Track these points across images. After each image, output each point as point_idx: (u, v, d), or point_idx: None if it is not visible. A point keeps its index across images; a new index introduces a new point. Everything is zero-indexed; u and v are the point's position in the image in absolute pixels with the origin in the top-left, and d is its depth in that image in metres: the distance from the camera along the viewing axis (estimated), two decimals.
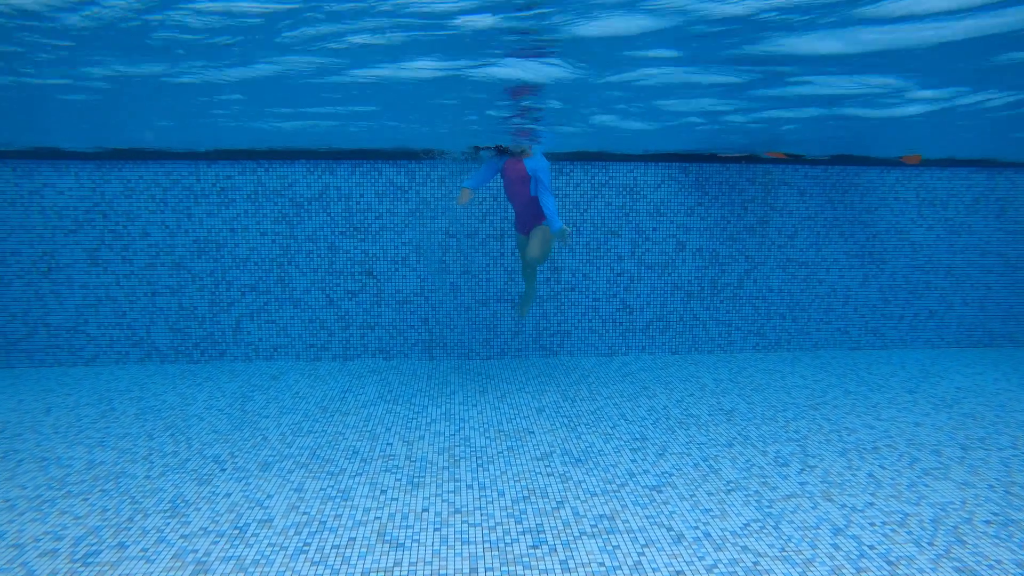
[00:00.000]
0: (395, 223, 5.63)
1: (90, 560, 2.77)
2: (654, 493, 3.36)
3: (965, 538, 2.96)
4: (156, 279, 5.53)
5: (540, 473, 3.57)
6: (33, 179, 5.34)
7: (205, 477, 3.52)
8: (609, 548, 2.87)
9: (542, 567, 2.73)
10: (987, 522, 3.10)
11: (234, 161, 5.48)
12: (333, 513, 3.15)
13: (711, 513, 3.17)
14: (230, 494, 3.34)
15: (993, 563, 2.78)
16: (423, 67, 2.54)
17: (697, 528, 3.04)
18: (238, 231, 5.54)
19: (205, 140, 4.82)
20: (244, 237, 5.55)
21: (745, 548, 2.88)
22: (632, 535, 2.97)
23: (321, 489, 3.39)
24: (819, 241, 6.01)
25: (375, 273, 5.66)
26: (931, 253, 6.13)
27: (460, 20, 2.02)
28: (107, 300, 5.51)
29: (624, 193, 5.75)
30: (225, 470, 3.60)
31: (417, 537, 2.95)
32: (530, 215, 4.67)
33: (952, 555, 2.83)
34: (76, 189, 5.39)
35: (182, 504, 3.24)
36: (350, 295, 5.68)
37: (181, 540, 2.93)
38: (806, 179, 5.92)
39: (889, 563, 2.77)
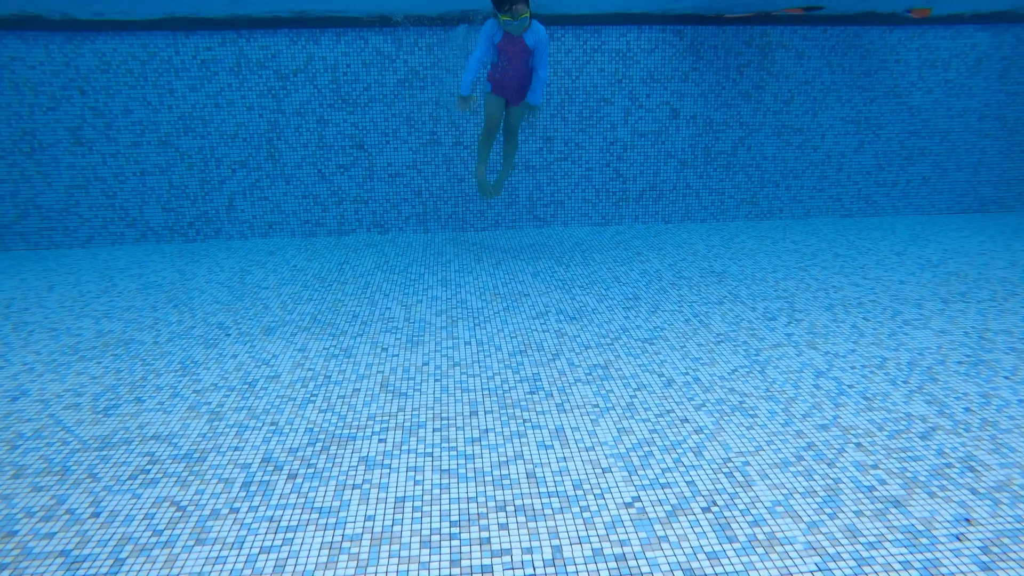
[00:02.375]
0: (384, 94, 5.48)
1: (111, 412, 2.92)
2: (646, 345, 3.50)
3: (937, 376, 3.13)
4: (143, 158, 5.45)
5: (536, 330, 3.70)
6: (0, 53, 5.13)
7: (211, 341, 3.64)
8: (603, 392, 3.03)
9: (539, 409, 2.89)
10: (959, 363, 3.26)
11: (213, 31, 5.25)
12: (337, 369, 3.29)
13: (700, 361, 3.32)
14: (236, 355, 3.46)
15: (960, 395, 2.95)
16: None
17: (687, 374, 3.20)
18: (223, 106, 5.40)
19: None
20: (230, 112, 5.42)
21: (732, 390, 3.04)
22: (624, 381, 3.13)
23: (324, 349, 3.52)
24: (815, 107, 5.91)
25: (365, 146, 5.58)
26: (928, 117, 6.05)
27: None
28: (95, 181, 5.45)
29: (617, 59, 5.58)
30: (230, 335, 3.72)
31: (419, 387, 3.10)
32: (525, 87, 4.70)
33: (924, 391, 3.00)
34: (48, 63, 5.19)
35: (191, 365, 3.37)
36: (342, 169, 5.62)
37: (194, 395, 3.07)
38: (804, 41, 5.73)
39: (866, 399, 2.94)
